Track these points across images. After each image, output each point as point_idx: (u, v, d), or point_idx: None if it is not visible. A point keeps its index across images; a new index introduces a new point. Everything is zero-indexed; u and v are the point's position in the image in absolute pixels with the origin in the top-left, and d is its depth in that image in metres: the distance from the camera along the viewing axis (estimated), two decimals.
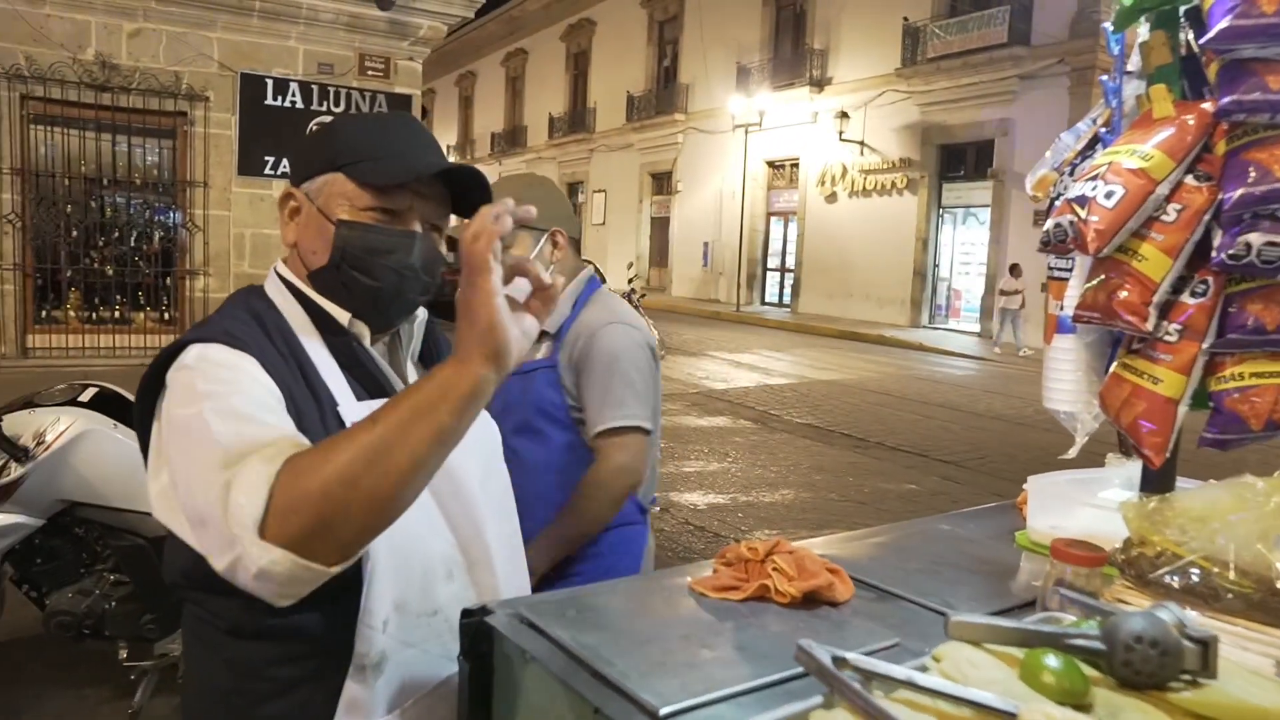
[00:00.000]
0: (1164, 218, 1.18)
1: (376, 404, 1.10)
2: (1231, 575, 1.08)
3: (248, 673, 1.20)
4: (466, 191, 1.29)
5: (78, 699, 3.25)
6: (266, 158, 10.52)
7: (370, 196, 1.20)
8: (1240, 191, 1.12)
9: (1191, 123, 1.17)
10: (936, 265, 20.43)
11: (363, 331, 1.25)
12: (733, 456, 7.84)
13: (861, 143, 21.26)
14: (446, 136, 40.42)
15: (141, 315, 10.55)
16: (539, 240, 2.08)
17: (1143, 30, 1.29)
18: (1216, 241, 1.16)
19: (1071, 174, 1.37)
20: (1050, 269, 1.44)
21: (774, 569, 1.22)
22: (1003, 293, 17.15)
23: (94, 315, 10.41)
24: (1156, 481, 1.33)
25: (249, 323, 1.19)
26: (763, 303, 25.22)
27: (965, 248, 19.95)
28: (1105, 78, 1.34)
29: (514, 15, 33.91)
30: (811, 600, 1.21)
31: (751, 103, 23.38)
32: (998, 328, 17.23)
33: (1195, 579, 1.11)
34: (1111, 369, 1.30)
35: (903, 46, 20.01)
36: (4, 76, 9.21)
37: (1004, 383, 13.19)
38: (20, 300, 9.62)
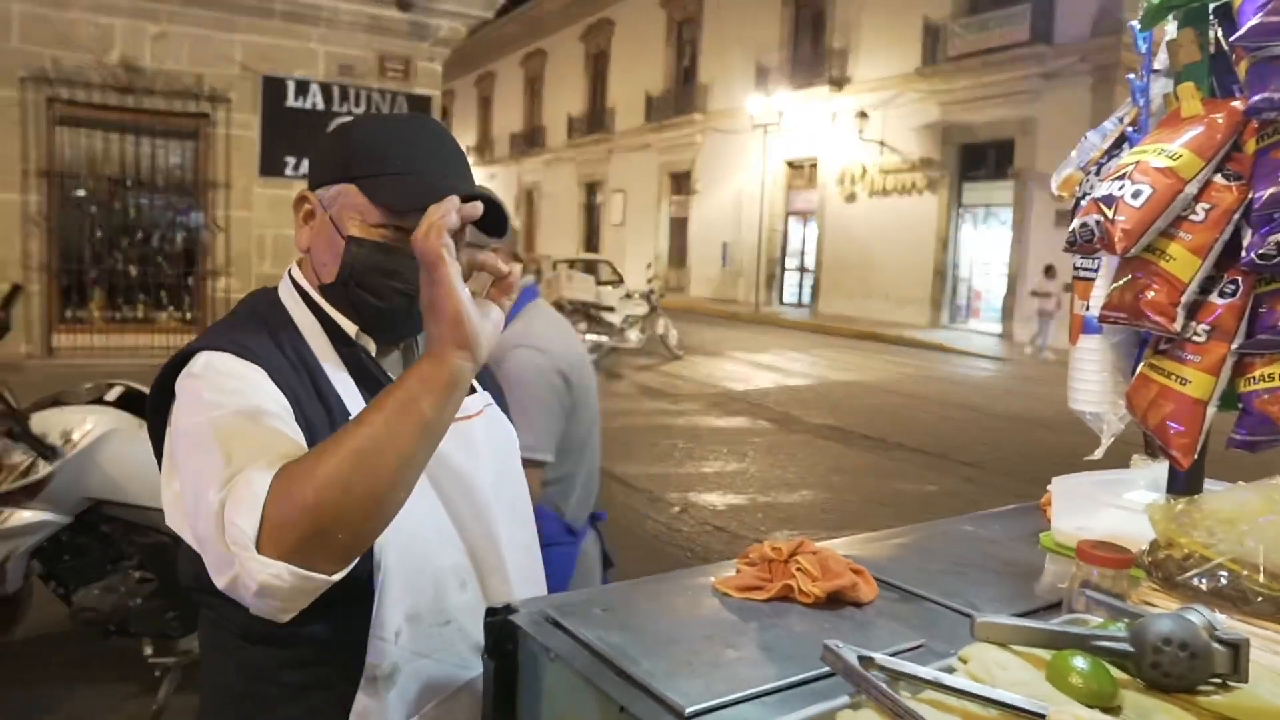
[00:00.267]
0: (1192, 217, 1.17)
1: None
2: (1261, 578, 1.07)
3: (259, 676, 1.20)
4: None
5: (103, 694, 3.29)
6: (287, 159, 10.60)
7: (382, 214, 1.18)
8: (1270, 190, 1.11)
9: (1221, 121, 1.16)
10: (956, 265, 20.32)
11: (369, 344, 1.25)
12: (751, 457, 7.83)
13: (881, 142, 21.16)
14: (465, 137, 40.57)
15: (164, 315, 10.66)
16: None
17: (1170, 28, 1.28)
18: (1246, 241, 1.15)
19: (1098, 173, 1.36)
20: (1076, 269, 1.43)
21: (798, 569, 1.21)
22: (1035, 294, 16.54)
23: (117, 315, 10.52)
24: (1184, 483, 1.32)
25: (259, 331, 1.18)
26: (781, 303, 25.16)
27: (986, 248, 19.83)
28: (1132, 76, 1.33)
29: (533, 16, 33.98)
30: (835, 601, 1.20)
31: (770, 102, 23.32)
32: (1035, 331, 16.52)
33: (1224, 581, 1.10)
34: (1138, 370, 1.29)
35: (923, 45, 19.90)
36: (31, 79, 9.33)
37: (1024, 384, 13.10)
38: (46, 300, 9.73)
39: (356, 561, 1.00)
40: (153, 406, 1.17)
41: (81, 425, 2.91)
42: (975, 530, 1.69)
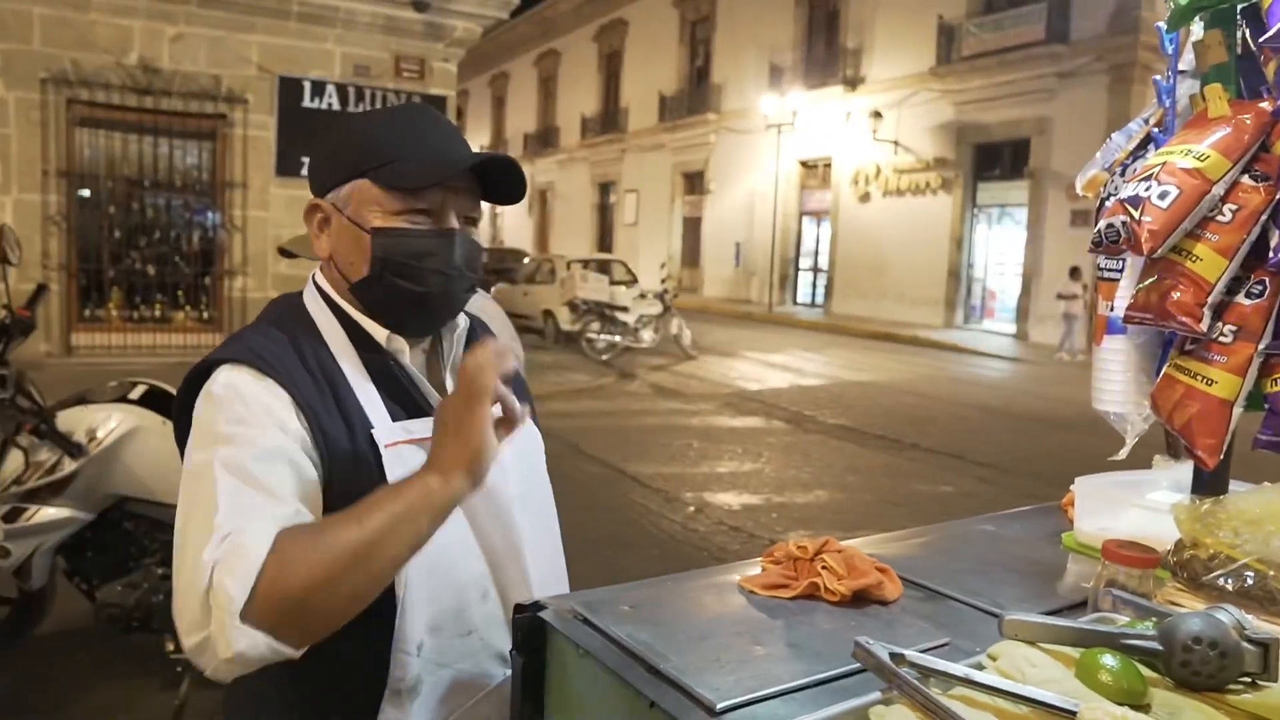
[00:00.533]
0: (1219, 218, 1.17)
1: (412, 424, 1.19)
2: None
3: (281, 691, 1.20)
4: (496, 179, 1.26)
5: (125, 690, 3.32)
6: (304, 159, 10.66)
7: (401, 200, 1.17)
8: None
9: (1248, 122, 1.16)
10: (971, 265, 20.25)
11: (401, 348, 1.22)
12: (766, 457, 7.83)
13: (895, 142, 21.11)
14: (479, 137, 40.66)
15: (181, 314, 10.74)
16: None
17: (1196, 29, 1.28)
18: (1273, 242, 1.15)
19: (1123, 174, 1.36)
20: (1100, 270, 1.43)
21: (823, 567, 1.22)
22: (1061, 296, 16.15)
23: (135, 314, 10.61)
24: (1209, 484, 1.32)
25: (282, 342, 1.17)
26: (795, 303, 25.13)
27: (1000, 248, 19.75)
28: (1159, 78, 1.33)
29: (546, 16, 34.04)
30: (861, 599, 1.21)
31: (784, 102, 23.30)
32: (1062, 334, 16.12)
33: (1250, 582, 1.11)
34: (1164, 370, 1.29)
35: (937, 45, 19.84)
36: (51, 81, 9.43)
37: (1039, 384, 13.05)
38: (65, 299, 9.82)
39: None
40: (179, 421, 1.17)
41: (106, 423, 2.94)
42: (996, 530, 1.69)
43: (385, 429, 1.17)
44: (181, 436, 1.16)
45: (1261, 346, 1.19)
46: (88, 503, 2.98)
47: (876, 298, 21.77)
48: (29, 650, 3.45)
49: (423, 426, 1.17)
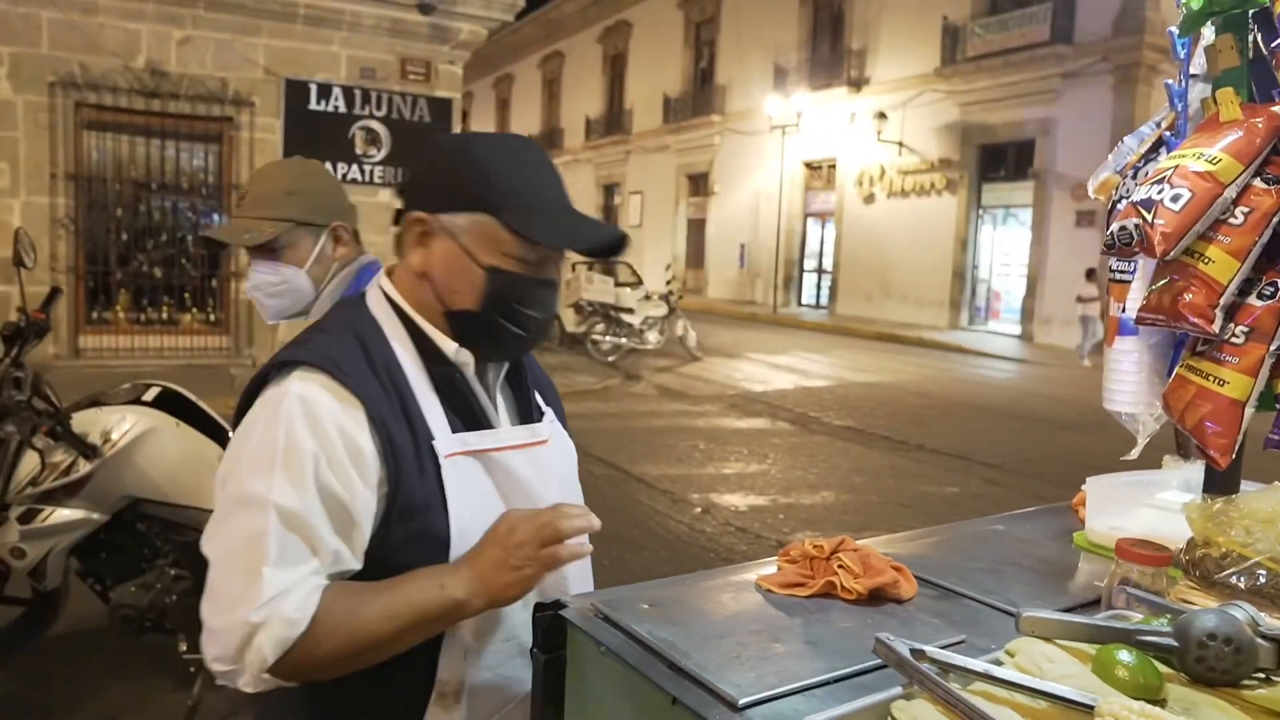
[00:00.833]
0: (1231, 221, 1.18)
1: (469, 437, 1.24)
2: None
3: (328, 693, 1.22)
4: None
5: (138, 690, 3.34)
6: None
7: (521, 246, 1.19)
8: None
9: (1260, 126, 1.17)
10: (976, 266, 20.24)
11: (467, 361, 1.25)
12: (772, 458, 7.84)
13: (900, 143, 21.11)
14: None
15: (188, 316, 10.76)
16: (319, 238, 1.98)
17: (1207, 33, 1.29)
18: None
19: (1135, 177, 1.38)
20: (1112, 271, 1.45)
21: (840, 566, 1.24)
22: (1081, 300, 15.65)
23: (142, 317, 10.64)
24: (1221, 483, 1.33)
25: (354, 348, 1.19)
26: (799, 304, 25.13)
27: (1005, 249, 19.74)
28: (1170, 82, 1.34)
29: (551, 18, 34.09)
30: (877, 597, 1.23)
31: (789, 104, 23.30)
32: (1081, 338, 15.72)
33: (1262, 580, 1.12)
34: (1176, 371, 1.31)
35: (942, 46, 19.84)
36: (59, 84, 9.46)
37: (1045, 385, 13.04)
38: (73, 302, 9.85)
39: None
40: (241, 410, 1.20)
41: (120, 425, 2.96)
42: (1007, 530, 1.71)
43: (445, 440, 1.21)
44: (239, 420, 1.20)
45: (1273, 347, 1.20)
46: (102, 504, 3.00)
47: (881, 299, 21.77)
48: (43, 650, 3.47)
49: (479, 439, 1.24)
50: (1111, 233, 1.26)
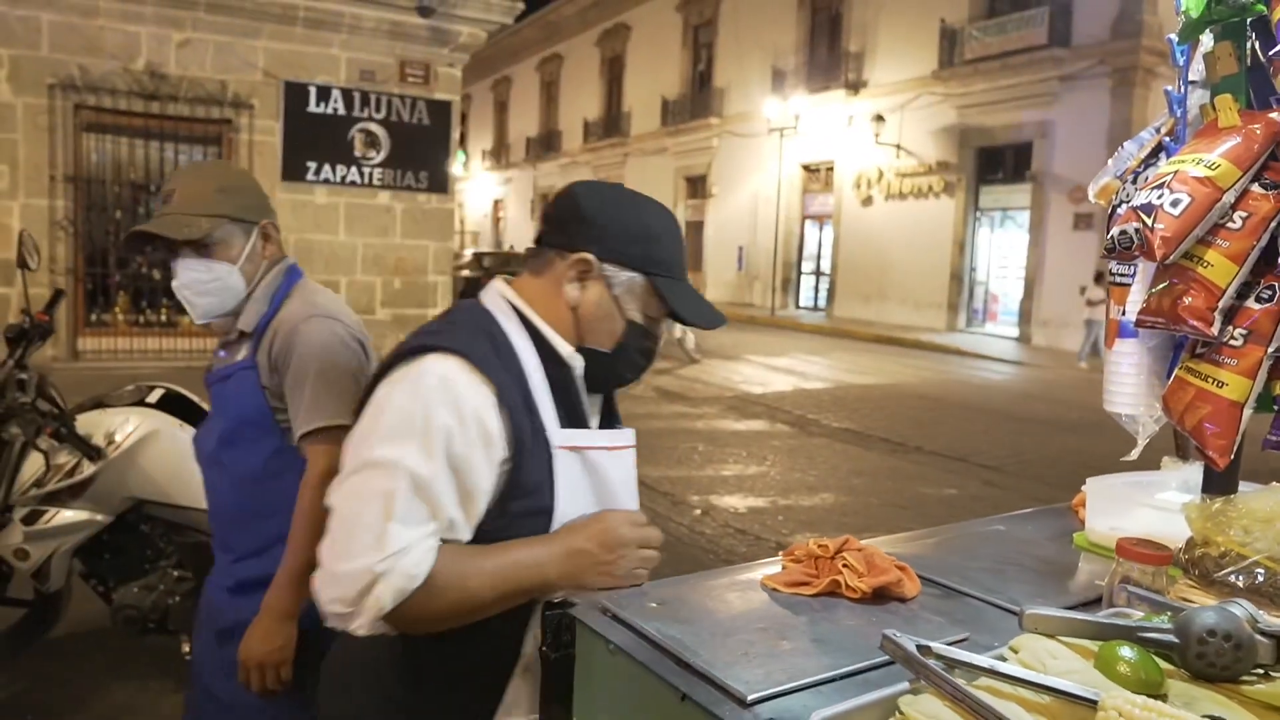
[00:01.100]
0: (1230, 225, 1.20)
1: (573, 434, 1.36)
2: None
3: (413, 664, 1.32)
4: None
5: (141, 690, 3.35)
6: (309, 164, 10.71)
7: (657, 309, 1.39)
8: None
9: (1258, 132, 1.19)
10: (973, 269, 20.28)
11: (579, 364, 1.37)
12: (771, 460, 7.86)
13: (898, 146, 21.15)
14: (482, 141, 40.76)
15: (187, 319, 10.75)
16: (250, 236, 1.97)
17: (1206, 40, 1.31)
18: None
19: (1135, 182, 1.40)
20: (1112, 274, 1.47)
21: (844, 565, 1.26)
22: (1090, 303, 15.30)
23: (141, 318, 10.65)
24: (1220, 483, 1.35)
25: (483, 340, 1.31)
26: (798, 307, 25.16)
27: (1003, 251, 19.78)
28: (1170, 88, 1.36)
29: (549, 21, 34.13)
30: (881, 596, 1.24)
31: (786, 106, 23.34)
32: (1084, 341, 15.51)
33: (1260, 578, 1.14)
34: (1175, 373, 1.32)
35: (940, 48, 19.88)
36: (59, 86, 9.48)
37: (1043, 387, 13.07)
38: (72, 304, 9.86)
39: None
40: (372, 387, 1.31)
41: (124, 426, 2.97)
42: (1008, 530, 1.73)
43: (556, 433, 1.34)
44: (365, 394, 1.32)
45: (1271, 349, 1.22)
46: (106, 505, 3.00)
47: (879, 301, 21.80)
48: (45, 652, 3.48)
49: (582, 436, 1.38)
50: (1112, 237, 1.28)
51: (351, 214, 11.00)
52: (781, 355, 15.56)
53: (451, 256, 12.48)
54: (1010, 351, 17.20)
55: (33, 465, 2.94)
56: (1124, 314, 1.42)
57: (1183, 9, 1.28)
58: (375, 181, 11.07)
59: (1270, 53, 1.15)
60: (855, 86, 22.27)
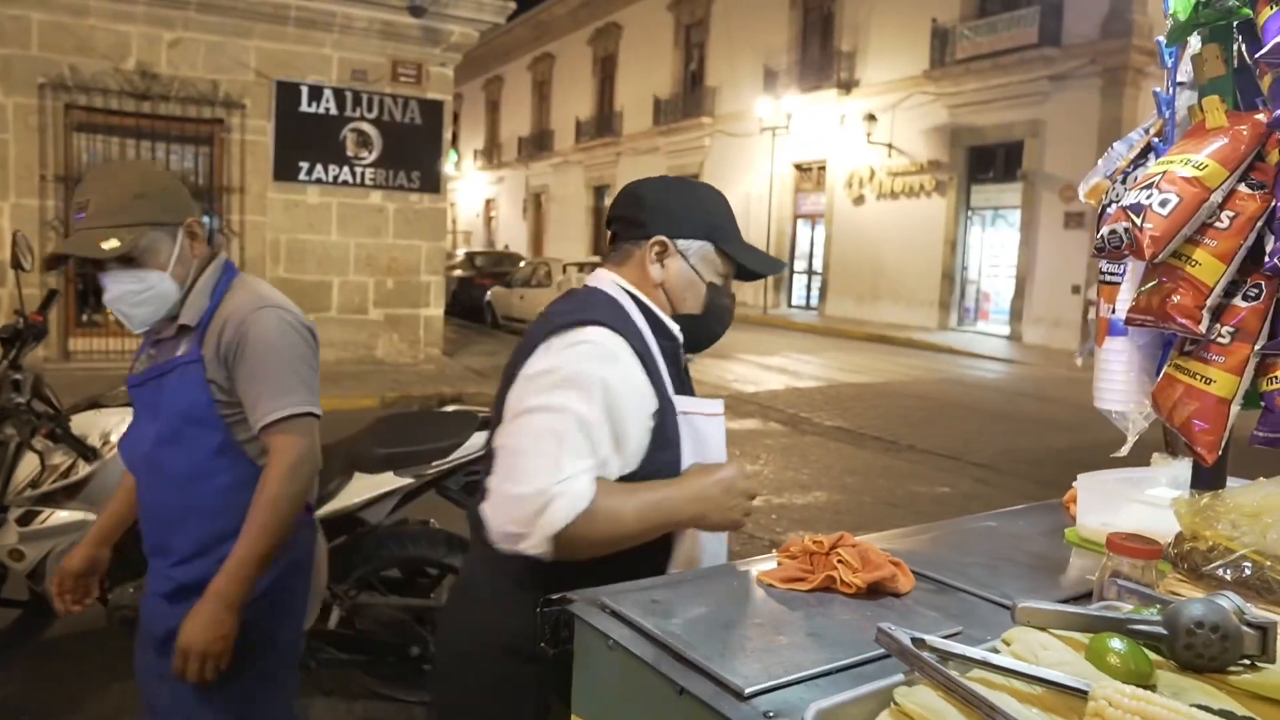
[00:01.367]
0: (1217, 224, 1.22)
1: (683, 400, 1.56)
2: None
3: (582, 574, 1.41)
4: None
5: (134, 692, 3.32)
6: (301, 163, 10.69)
7: (728, 268, 1.62)
8: None
9: (1245, 133, 1.21)
10: (965, 268, 20.32)
11: (681, 336, 1.61)
12: (764, 459, 7.88)
13: (889, 145, 21.19)
14: (474, 141, 40.70)
15: None
16: (176, 238, 1.89)
17: (1194, 42, 1.33)
18: (1269, 247, 1.20)
19: (1124, 182, 1.42)
20: (1102, 273, 1.49)
21: (839, 561, 1.27)
22: (1090, 303, 15.95)
23: None
24: (1208, 479, 1.37)
25: (619, 316, 1.51)
26: (790, 305, 25.19)
27: (994, 250, 19.83)
28: (1158, 89, 1.38)
29: (541, 20, 34.08)
30: (875, 591, 1.26)
31: (779, 105, 23.37)
32: (1084, 341, 15.93)
33: (1248, 572, 1.16)
34: (1164, 370, 1.34)
35: (931, 48, 19.92)
36: (49, 86, 9.44)
37: (1035, 385, 13.12)
38: (63, 305, 9.82)
39: None
40: (519, 357, 1.48)
41: (120, 427, 2.96)
42: (1000, 526, 1.75)
43: (674, 398, 1.53)
44: (516, 361, 1.49)
45: (1258, 347, 1.24)
46: (101, 506, 3.00)
47: (871, 300, 21.85)
48: (41, 652, 3.48)
49: (692, 404, 1.58)
50: (1102, 236, 1.30)
51: (344, 214, 10.98)
52: (774, 354, 15.59)
53: (444, 256, 12.47)
54: (1002, 350, 17.25)
55: (28, 466, 2.94)
56: (1114, 312, 1.44)
57: (1171, 11, 1.30)
58: (367, 181, 11.05)
59: (1256, 55, 1.17)
60: (847, 86, 22.30)
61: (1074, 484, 1.69)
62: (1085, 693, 0.83)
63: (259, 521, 1.79)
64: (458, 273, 20.05)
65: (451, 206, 33.56)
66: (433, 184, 11.49)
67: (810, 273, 24.90)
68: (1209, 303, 1.24)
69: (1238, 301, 1.24)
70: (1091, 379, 1.52)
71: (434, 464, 2.92)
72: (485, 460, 1.47)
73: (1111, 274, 1.47)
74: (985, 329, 19.68)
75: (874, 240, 21.72)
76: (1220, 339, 1.25)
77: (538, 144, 35.67)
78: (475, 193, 40.79)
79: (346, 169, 10.93)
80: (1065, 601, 1.28)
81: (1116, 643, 0.92)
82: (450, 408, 3.75)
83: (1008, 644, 0.97)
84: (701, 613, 1.18)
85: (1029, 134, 18.17)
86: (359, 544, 2.97)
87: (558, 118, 34.65)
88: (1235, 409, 1.28)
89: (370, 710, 3.13)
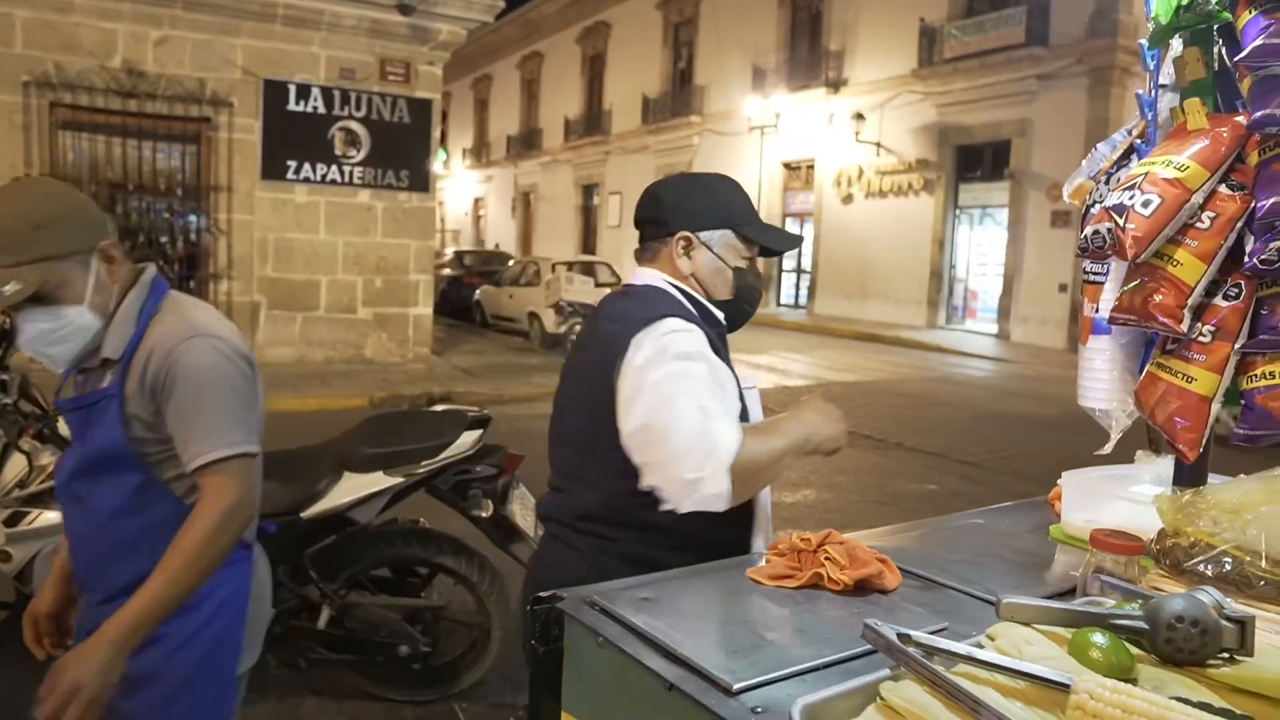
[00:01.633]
0: (1198, 225, 1.24)
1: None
2: (1263, 564, 1.15)
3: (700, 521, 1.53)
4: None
5: None
6: (289, 162, 10.65)
7: (749, 250, 1.77)
8: (1272, 200, 1.18)
9: (1225, 135, 1.23)
10: (953, 266, 20.39)
11: (724, 323, 1.79)
12: None
13: (878, 144, 21.24)
14: (462, 140, 40.62)
15: None
16: (90, 265, 1.68)
17: (1176, 45, 1.35)
18: (1249, 247, 1.22)
19: (1108, 183, 1.43)
20: (1085, 273, 1.50)
21: (826, 558, 1.29)
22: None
23: None
24: (1190, 476, 1.39)
25: (679, 309, 1.65)
26: (778, 304, 25.24)
27: (982, 248, 19.91)
28: (1141, 91, 1.40)
29: (530, 18, 34.02)
30: (862, 588, 1.28)
31: (767, 104, 23.40)
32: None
33: (1228, 567, 1.17)
34: (1146, 369, 1.36)
35: (919, 47, 19.98)
36: (34, 84, 9.38)
37: (1022, 383, 13.19)
38: None
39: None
40: (611, 359, 1.59)
41: None
42: (987, 523, 1.77)
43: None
44: (605, 377, 1.59)
45: (1238, 345, 1.26)
46: None
47: (860, 299, 21.90)
48: (28, 654, 3.46)
49: (743, 379, 1.75)
50: (1085, 236, 1.31)
51: (332, 213, 10.95)
52: (762, 353, 15.61)
53: (433, 255, 12.44)
54: (989, 348, 17.32)
55: (15, 466, 2.93)
56: (1097, 311, 1.46)
57: (1153, 14, 1.32)
58: (356, 180, 11.02)
59: (1236, 59, 1.18)
60: (835, 85, 22.34)
61: (1059, 481, 1.71)
62: (1068, 686, 0.84)
63: (173, 568, 1.59)
64: (446, 272, 20.00)
65: (440, 205, 33.46)
66: (421, 183, 11.47)
67: (799, 271, 24.95)
68: (1190, 302, 1.25)
69: (1218, 301, 1.26)
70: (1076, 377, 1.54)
71: (423, 463, 2.92)
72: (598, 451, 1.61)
73: (1095, 274, 1.48)
74: (973, 327, 19.75)
75: (862, 239, 21.77)
76: (1201, 338, 1.27)
77: (526, 143, 35.62)
78: (464, 191, 40.71)
79: (335, 168, 10.90)
80: (1050, 597, 1.30)
81: (1099, 637, 0.93)
82: (439, 407, 3.76)
83: (992, 639, 0.98)
84: (690, 610, 1.19)
85: (1016, 133, 18.24)
86: (348, 543, 2.97)
87: (546, 116, 34.60)
88: (1216, 406, 1.29)
89: (360, 710, 3.13)
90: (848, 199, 22.29)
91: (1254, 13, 1.16)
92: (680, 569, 1.38)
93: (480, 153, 39.42)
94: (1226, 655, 0.94)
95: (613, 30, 30.69)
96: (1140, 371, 1.41)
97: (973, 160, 19.75)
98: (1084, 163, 1.50)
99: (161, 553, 1.62)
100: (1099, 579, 1.17)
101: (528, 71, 35.85)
